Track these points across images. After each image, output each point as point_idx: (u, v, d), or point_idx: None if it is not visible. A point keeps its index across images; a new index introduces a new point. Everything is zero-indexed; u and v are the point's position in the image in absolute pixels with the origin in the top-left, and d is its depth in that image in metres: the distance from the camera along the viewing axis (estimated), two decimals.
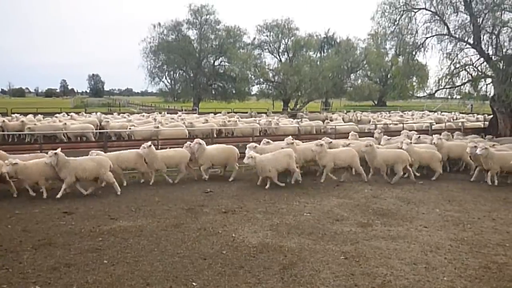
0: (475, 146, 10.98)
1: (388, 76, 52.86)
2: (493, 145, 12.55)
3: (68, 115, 22.69)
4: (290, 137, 11.99)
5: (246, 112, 30.74)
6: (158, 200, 9.22)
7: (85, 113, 28.14)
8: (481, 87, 18.68)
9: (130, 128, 17.39)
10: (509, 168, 10.82)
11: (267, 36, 39.85)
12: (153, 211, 8.41)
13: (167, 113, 27.52)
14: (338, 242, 6.73)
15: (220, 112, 28.43)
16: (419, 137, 13.55)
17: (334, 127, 17.76)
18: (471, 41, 17.64)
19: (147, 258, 6.05)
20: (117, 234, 6.99)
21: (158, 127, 17.00)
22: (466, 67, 18.18)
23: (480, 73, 18.11)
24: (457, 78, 18.44)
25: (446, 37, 18.26)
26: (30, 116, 21.36)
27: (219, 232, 7.14)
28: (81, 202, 9.01)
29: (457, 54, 18.15)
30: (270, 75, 39.10)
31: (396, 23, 19.21)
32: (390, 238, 6.94)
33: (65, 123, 18.41)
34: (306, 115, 29.70)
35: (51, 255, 6.12)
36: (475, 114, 29.13)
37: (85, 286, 5.20)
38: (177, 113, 27.70)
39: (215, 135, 16.63)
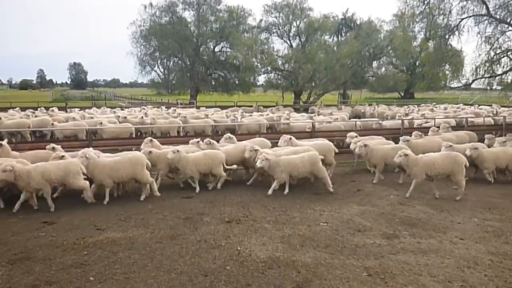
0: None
1: (417, 64, 52.67)
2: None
3: (47, 110, 22.83)
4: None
5: (251, 106, 30.78)
6: (152, 208, 9.27)
7: (66, 108, 28.36)
8: None
9: (52, 124, 17.24)
10: (390, 163, 11.37)
11: (275, 17, 39.94)
12: (145, 220, 8.46)
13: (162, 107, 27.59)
14: (360, 256, 6.73)
15: (219, 107, 28.48)
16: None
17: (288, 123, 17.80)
18: None
19: (140, 274, 6.10)
20: (105, 247, 7.05)
21: (101, 123, 16.96)
22: (509, 53, 18.07)
23: None
24: (498, 65, 18.39)
25: (485, 18, 18.18)
26: None
27: (222, 245, 7.17)
28: (64, 210, 9.08)
29: (498, 38, 18.08)
30: (279, 62, 39.14)
31: (426, 2, 19.15)
32: (420, 252, 6.93)
33: (1, 118, 18.38)
34: (321, 108, 29.63)
35: (29, 271, 6.18)
36: None
37: None
38: (171, 107, 27.78)
39: (210, 133, 16.57)
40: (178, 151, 10.51)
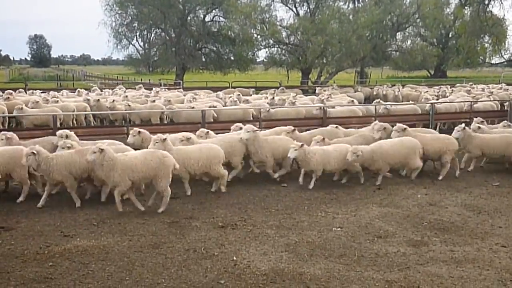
0: None
1: (450, 36, 52.48)
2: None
3: (3, 92, 22.72)
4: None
5: (251, 87, 30.71)
6: (130, 211, 9.26)
7: (26, 89, 28.26)
8: None
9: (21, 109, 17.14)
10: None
11: None
12: (122, 225, 8.47)
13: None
14: (381, 268, 6.75)
15: (210, 89, 28.40)
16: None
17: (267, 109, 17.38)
18: None
19: None
20: (74, 258, 7.05)
21: (21, 108, 16.72)
22: None
23: None
24: None
25: None
26: None
27: (215, 255, 7.18)
28: (24, 214, 9.08)
29: None
30: (284, 34, 39.06)
31: None
32: (454, 262, 6.95)
33: None
34: (335, 88, 29.54)
35: None
36: None
37: None
38: (153, 88, 27.70)
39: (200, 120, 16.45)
40: None
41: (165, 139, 9.90)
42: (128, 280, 6.35)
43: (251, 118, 16.82)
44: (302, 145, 10.45)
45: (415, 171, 11.50)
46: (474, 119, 13.76)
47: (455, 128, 12.39)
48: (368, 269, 6.71)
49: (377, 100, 19.77)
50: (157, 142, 9.80)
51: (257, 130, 11.27)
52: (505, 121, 13.58)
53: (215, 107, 17.26)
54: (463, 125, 12.37)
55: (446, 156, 11.61)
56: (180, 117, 16.89)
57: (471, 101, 19.44)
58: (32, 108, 17.43)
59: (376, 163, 11.05)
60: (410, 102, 21.18)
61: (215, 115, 16.68)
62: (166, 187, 9.14)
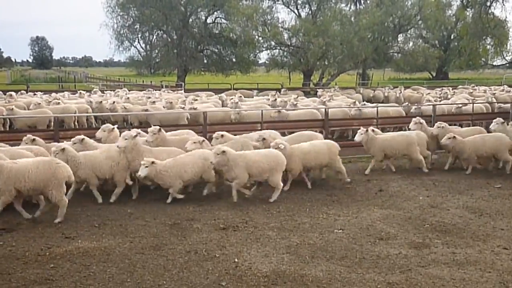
0: None
1: (452, 37, 52.54)
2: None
3: (5, 93, 22.79)
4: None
5: (252, 89, 30.72)
6: (131, 212, 9.28)
7: (27, 90, 28.33)
8: None
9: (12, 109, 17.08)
10: None
11: None
12: (124, 227, 8.48)
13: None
14: (383, 270, 6.75)
15: (212, 91, 28.41)
16: None
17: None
18: None
19: None
20: (75, 259, 7.06)
21: (12, 109, 16.66)
22: None
23: None
24: None
25: None
26: None
27: (216, 256, 7.19)
28: None
29: None
30: (285, 36, 39.09)
31: None
32: (456, 264, 6.95)
33: None
34: (337, 90, 29.51)
35: None
36: None
37: None
38: (152, 90, 27.76)
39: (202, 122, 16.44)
40: None
41: (64, 149, 9.41)
42: (129, 282, 6.35)
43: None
44: (153, 162, 9.42)
45: (277, 190, 10.06)
46: (413, 119, 13.62)
47: (358, 131, 12.30)
48: (369, 271, 6.71)
49: (363, 103, 19.86)
50: (57, 153, 9.30)
51: (136, 137, 10.03)
52: (439, 122, 13.35)
53: (196, 109, 16.99)
54: (365, 128, 12.23)
55: (333, 165, 11.26)
56: (153, 120, 16.33)
57: (458, 104, 19.25)
58: (34, 110, 17.51)
59: (232, 172, 9.75)
60: (390, 104, 21.29)
61: (189, 116, 16.53)
62: (61, 197, 8.62)
